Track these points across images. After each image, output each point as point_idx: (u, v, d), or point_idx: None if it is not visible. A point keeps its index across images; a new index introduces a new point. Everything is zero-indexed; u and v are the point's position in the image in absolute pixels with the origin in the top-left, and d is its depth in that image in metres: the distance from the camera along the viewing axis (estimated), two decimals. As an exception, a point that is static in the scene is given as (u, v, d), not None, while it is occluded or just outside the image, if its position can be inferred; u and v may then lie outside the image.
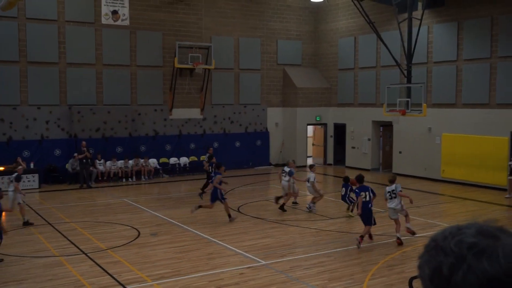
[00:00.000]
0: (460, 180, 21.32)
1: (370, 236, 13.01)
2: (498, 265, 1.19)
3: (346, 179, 16.01)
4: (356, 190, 12.98)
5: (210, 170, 18.73)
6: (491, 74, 20.73)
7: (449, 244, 1.24)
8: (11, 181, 15.29)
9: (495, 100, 20.59)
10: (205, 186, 19.05)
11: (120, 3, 23.43)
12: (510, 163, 18.78)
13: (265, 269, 10.97)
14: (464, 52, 21.71)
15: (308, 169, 18.49)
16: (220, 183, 15.24)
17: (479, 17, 21.05)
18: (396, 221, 12.82)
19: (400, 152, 24.50)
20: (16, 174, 15.20)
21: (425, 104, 19.03)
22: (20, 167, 17.23)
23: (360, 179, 13.13)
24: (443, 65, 22.48)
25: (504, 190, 19.33)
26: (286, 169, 17.05)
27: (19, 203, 14.72)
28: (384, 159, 25.89)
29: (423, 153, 23.19)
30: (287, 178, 16.90)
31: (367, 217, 12.65)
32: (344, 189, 15.98)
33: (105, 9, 23.20)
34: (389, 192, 12.83)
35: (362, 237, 12.45)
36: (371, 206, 12.71)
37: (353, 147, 26.76)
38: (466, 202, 18.33)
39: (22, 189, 15.44)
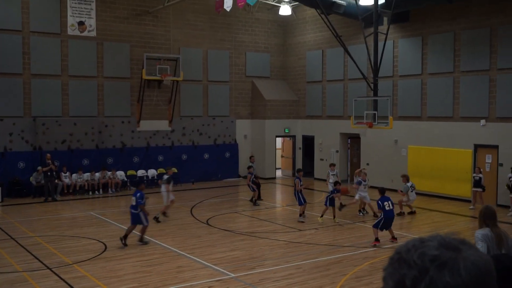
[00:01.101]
0: (426, 192, 21.67)
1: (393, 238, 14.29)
2: (459, 277, 1.22)
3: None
4: (379, 202, 14.14)
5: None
6: (455, 88, 21.23)
7: (412, 256, 1.26)
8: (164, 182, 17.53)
9: (459, 113, 21.07)
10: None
11: (86, 14, 23.21)
12: (474, 175, 19.19)
13: (234, 282, 10.91)
14: (429, 66, 22.19)
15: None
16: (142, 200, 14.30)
17: (443, 32, 21.58)
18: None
19: (367, 164, 24.77)
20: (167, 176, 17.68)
21: (391, 117, 19.33)
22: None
23: (382, 191, 14.46)
24: (409, 79, 22.92)
25: (469, 201, 19.74)
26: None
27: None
28: (352, 171, 26.11)
29: (390, 165, 23.52)
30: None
31: (390, 223, 14.02)
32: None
33: (71, 20, 22.95)
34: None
35: (394, 237, 14.14)
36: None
37: (322, 159, 26.96)
38: (431, 213, 18.63)
39: None
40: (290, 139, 28.92)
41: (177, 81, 24.94)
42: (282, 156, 29.65)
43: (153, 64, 24.17)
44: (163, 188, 17.68)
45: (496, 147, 19.85)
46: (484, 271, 1.25)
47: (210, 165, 26.60)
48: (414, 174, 22.30)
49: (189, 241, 14.45)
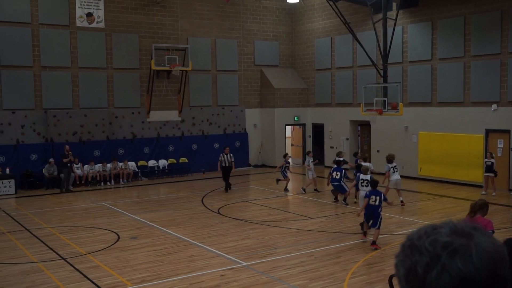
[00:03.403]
0: (437, 178, 21.60)
1: (365, 234, 13.16)
2: (471, 264, 1.22)
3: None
4: (367, 193, 12.92)
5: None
6: (465, 73, 21.05)
7: (424, 243, 1.27)
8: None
9: (470, 98, 20.92)
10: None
11: (95, 6, 23.26)
12: (486, 160, 19.09)
13: (246, 270, 10.98)
14: (439, 52, 22.02)
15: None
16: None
17: (452, 16, 21.37)
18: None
19: (378, 151, 24.72)
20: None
21: (401, 103, 19.24)
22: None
23: (374, 183, 13.02)
24: (418, 65, 22.76)
25: (480, 186, 19.66)
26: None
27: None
28: (362, 158, 26.03)
29: (400, 151, 23.39)
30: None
31: (375, 220, 12.51)
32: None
33: (79, 12, 23.01)
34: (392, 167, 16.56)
35: (374, 242, 12.41)
36: (380, 210, 12.57)
37: (332, 147, 26.92)
38: (443, 199, 18.58)
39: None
40: (300, 127, 28.88)
41: (186, 71, 24.95)
42: (292, 145, 29.63)
43: (162, 54, 24.19)
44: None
45: (508, 131, 19.71)
46: (496, 257, 1.25)
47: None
48: (425, 160, 22.25)
49: (201, 231, 14.53)
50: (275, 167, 26.04)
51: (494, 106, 20.02)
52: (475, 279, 1.21)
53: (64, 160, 21.35)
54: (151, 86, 24.43)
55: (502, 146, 20.01)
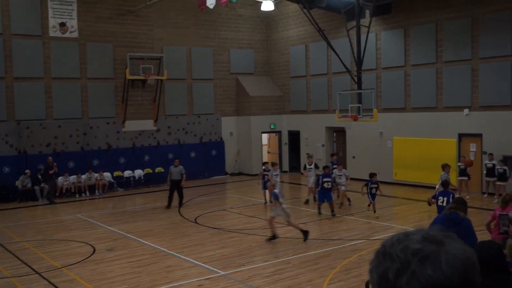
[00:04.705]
0: (412, 182, 21.84)
1: None
2: (440, 271, 1.23)
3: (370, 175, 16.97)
4: (436, 194, 12.89)
5: None
6: (438, 79, 21.38)
7: (395, 250, 1.28)
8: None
9: (443, 103, 21.24)
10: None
11: (68, 15, 23.06)
12: (459, 164, 19.37)
13: (224, 280, 10.93)
14: (412, 58, 22.33)
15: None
16: None
17: (424, 23, 21.71)
18: None
19: (353, 157, 24.91)
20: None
21: (375, 109, 19.44)
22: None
23: (445, 184, 12.94)
24: (392, 71, 23.05)
25: (454, 190, 19.89)
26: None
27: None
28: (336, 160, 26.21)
29: (375, 157, 23.65)
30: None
31: None
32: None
33: (52, 22, 22.79)
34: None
35: None
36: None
37: (308, 153, 26.97)
38: (418, 204, 18.77)
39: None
40: (276, 134, 28.96)
41: (161, 80, 24.86)
42: (268, 152, 29.67)
43: (137, 63, 24.06)
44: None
45: (480, 135, 20.05)
46: (466, 264, 1.27)
47: (196, 163, 26.54)
48: (400, 165, 22.49)
49: (178, 241, 14.43)
50: (253, 174, 26.03)
51: (466, 111, 20.35)
52: (445, 286, 1.22)
53: (50, 172, 21.10)
54: (126, 95, 24.26)
55: (474, 150, 20.34)
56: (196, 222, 16.76)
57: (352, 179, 24.76)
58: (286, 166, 28.62)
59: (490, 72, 19.62)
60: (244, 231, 15.29)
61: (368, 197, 16.68)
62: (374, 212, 16.55)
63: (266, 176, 19.02)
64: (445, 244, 1.28)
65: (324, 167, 17.82)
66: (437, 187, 14.19)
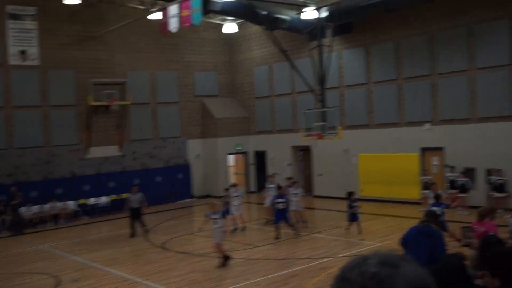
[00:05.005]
0: (378, 198, 22.05)
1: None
2: None
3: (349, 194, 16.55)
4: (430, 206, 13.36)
5: None
6: (399, 95, 21.80)
7: (353, 274, 1.30)
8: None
9: (405, 118, 21.62)
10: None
11: (27, 43, 22.77)
12: (423, 177, 19.67)
13: (192, 305, 10.74)
14: (373, 75, 22.73)
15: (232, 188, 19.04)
16: None
17: (384, 41, 22.17)
18: None
19: (320, 175, 25.05)
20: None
21: (340, 127, 19.67)
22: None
23: (437, 197, 13.67)
24: (355, 88, 23.39)
25: (419, 203, 20.17)
26: None
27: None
28: (305, 183, 26.38)
29: (342, 173, 23.84)
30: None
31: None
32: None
33: (13, 49, 22.45)
34: None
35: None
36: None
37: (275, 173, 27.01)
38: (385, 219, 18.94)
39: None
40: (242, 155, 28.95)
41: (126, 105, 24.67)
42: (235, 173, 29.61)
43: (100, 89, 23.88)
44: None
45: (442, 149, 20.44)
46: (421, 286, 1.29)
47: (163, 187, 26.28)
48: (366, 181, 22.71)
49: (145, 267, 14.17)
50: (220, 197, 25.87)
51: (427, 125, 20.75)
52: None
53: (13, 202, 20.58)
54: (90, 122, 23.96)
55: (437, 163, 20.71)
56: (163, 248, 16.51)
57: (318, 196, 24.91)
58: (253, 187, 28.58)
59: (449, 87, 20.10)
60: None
61: (348, 218, 16.17)
62: (360, 233, 15.90)
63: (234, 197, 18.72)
64: (400, 267, 1.30)
65: (279, 187, 17.28)
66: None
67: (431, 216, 8.33)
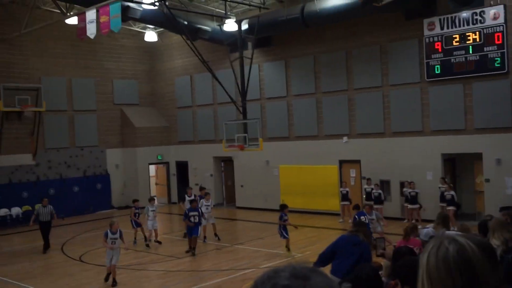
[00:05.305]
0: (298, 209, 22.44)
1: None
2: None
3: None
4: (355, 216, 13.89)
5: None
6: (318, 108, 22.42)
7: (266, 287, 1.34)
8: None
9: (323, 131, 22.27)
10: None
11: None
12: (341, 189, 20.32)
13: (112, 320, 10.46)
14: (293, 88, 23.25)
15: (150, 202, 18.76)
16: None
17: (303, 55, 22.75)
18: None
19: (242, 186, 25.23)
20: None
21: (261, 139, 19.90)
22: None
23: (357, 206, 14.88)
24: (275, 101, 23.81)
25: (338, 214, 20.82)
26: None
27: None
28: (227, 193, 26.47)
29: (263, 185, 24.13)
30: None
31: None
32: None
33: None
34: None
35: None
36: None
37: (197, 184, 26.87)
38: (305, 230, 19.32)
39: None
40: (163, 165, 28.59)
41: (40, 112, 23.67)
42: (156, 184, 29.18)
43: (12, 94, 22.74)
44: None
45: (359, 161, 21.23)
46: None
47: (80, 198, 25.39)
48: (287, 192, 23.11)
49: (61, 281, 13.63)
50: (141, 207, 25.46)
51: (345, 138, 21.49)
52: None
53: None
54: (0, 128, 22.74)
55: (354, 175, 21.48)
56: (81, 261, 15.94)
57: (240, 207, 25.11)
58: (175, 197, 28.27)
59: (364, 102, 20.93)
60: (132, 267, 14.80)
61: (282, 233, 15.24)
62: (289, 250, 15.26)
63: (137, 214, 17.97)
64: (311, 279, 1.35)
65: (191, 201, 16.72)
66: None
67: (360, 225, 8.65)
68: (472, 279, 1.70)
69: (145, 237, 17.83)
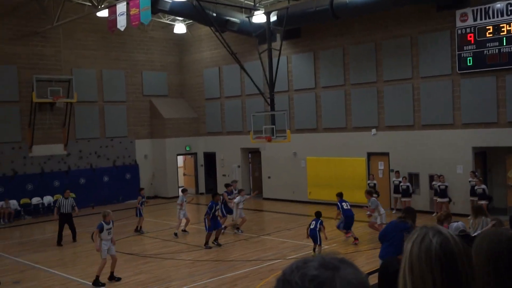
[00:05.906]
0: (325, 201, 22.40)
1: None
2: None
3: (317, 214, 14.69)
4: (338, 203, 15.68)
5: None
6: (346, 100, 22.27)
7: (294, 277, 1.34)
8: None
9: (352, 124, 22.11)
10: None
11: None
12: (369, 182, 20.17)
13: (140, 307, 10.64)
14: (321, 80, 23.12)
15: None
16: None
17: (332, 47, 22.60)
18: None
19: (269, 177, 25.27)
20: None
21: (289, 130, 19.86)
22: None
23: (340, 195, 15.96)
24: (303, 93, 23.73)
25: (365, 207, 20.65)
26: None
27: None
28: (254, 184, 26.54)
29: (290, 176, 24.12)
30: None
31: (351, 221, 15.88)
32: (314, 222, 14.42)
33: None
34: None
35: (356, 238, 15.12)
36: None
37: (224, 175, 27.08)
38: (332, 222, 19.25)
39: None
40: (191, 156, 28.81)
41: (71, 103, 24.07)
42: (184, 174, 29.44)
43: (44, 86, 23.16)
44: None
45: (387, 154, 21.03)
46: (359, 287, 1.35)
47: (110, 188, 25.81)
48: (314, 184, 23.07)
49: (91, 269, 13.86)
50: (169, 198, 25.70)
51: (373, 131, 21.31)
52: None
53: None
54: (33, 119, 23.23)
55: (382, 168, 21.29)
56: (110, 249, 16.19)
57: (267, 199, 25.16)
58: (202, 188, 28.51)
59: (393, 94, 20.70)
60: (160, 256, 15.00)
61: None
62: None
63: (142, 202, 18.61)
64: (340, 270, 1.35)
65: (214, 195, 16.76)
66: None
67: (408, 212, 8.77)
68: (454, 273, 1.68)
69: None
